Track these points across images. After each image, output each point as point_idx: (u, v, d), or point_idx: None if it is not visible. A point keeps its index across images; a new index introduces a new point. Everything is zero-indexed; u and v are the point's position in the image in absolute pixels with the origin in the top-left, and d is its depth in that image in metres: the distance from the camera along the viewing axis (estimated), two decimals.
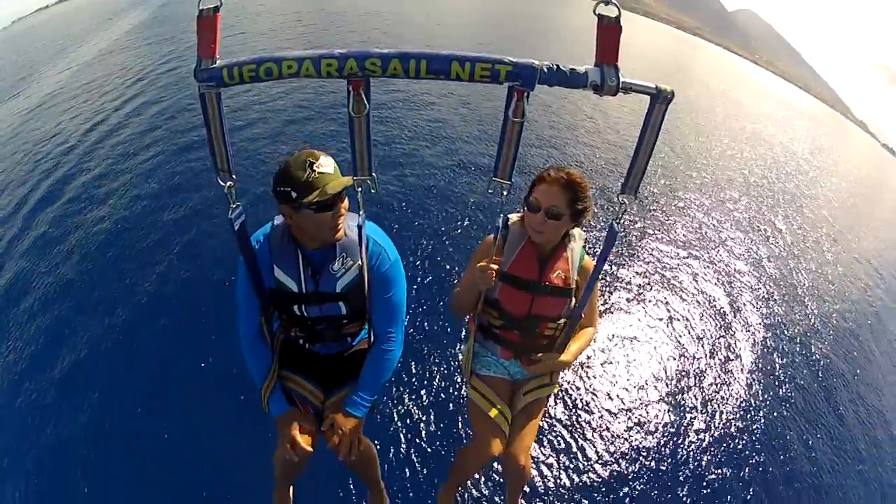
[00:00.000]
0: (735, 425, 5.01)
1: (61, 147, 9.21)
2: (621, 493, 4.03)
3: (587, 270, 1.81)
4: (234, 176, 1.40)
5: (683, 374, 5.39)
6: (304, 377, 1.87)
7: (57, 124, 10.64)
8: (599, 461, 4.21)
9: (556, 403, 4.56)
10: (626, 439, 4.47)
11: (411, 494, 3.54)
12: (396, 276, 1.72)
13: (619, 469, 4.21)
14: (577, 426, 4.44)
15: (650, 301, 6.30)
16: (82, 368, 4.48)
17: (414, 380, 4.44)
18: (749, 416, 5.18)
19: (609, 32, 1.13)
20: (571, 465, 4.11)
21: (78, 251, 6.01)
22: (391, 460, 3.75)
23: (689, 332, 6.01)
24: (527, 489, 3.68)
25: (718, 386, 5.41)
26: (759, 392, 5.54)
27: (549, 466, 4.05)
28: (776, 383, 5.81)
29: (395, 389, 4.29)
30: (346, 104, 1.26)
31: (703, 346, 5.88)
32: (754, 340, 6.37)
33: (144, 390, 4.27)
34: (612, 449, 4.35)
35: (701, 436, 4.76)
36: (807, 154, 19.50)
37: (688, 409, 5.00)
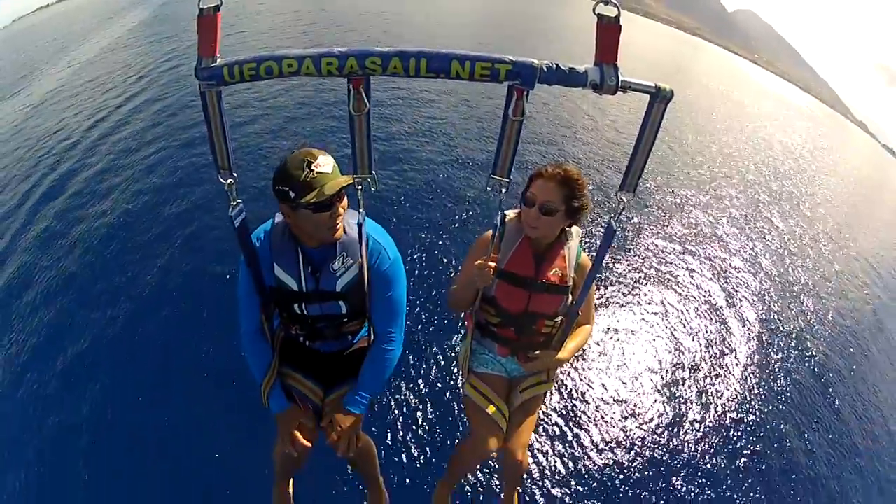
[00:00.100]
0: (731, 417, 5.05)
1: (64, 143, 9.26)
2: (618, 488, 4.06)
3: (584, 268, 1.81)
4: (234, 174, 1.39)
5: (679, 368, 5.42)
6: (303, 375, 1.87)
7: (59, 121, 10.69)
8: (596, 455, 4.25)
9: (552, 398, 4.59)
10: (622, 433, 4.51)
11: (410, 490, 3.56)
12: (396, 274, 1.72)
13: (615, 463, 4.24)
14: (574, 421, 4.47)
15: (646, 296, 6.34)
16: (85, 360, 4.52)
17: (412, 376, 4.46)
18: (745, 408, 5.22)
19: (608, 32, 1.13)
20: (568, 461, 4.14)
21: (80, 245, 6.06)
22: (390, 456, 3.77)
23: (686, 327, 6.05)
24: (523, 490, 3.71)
25: (714, 379, 5.45)
26: (755, 386, 5.59)
27: (546, 462, 4.08)
28: (772, 377, 5.85)
29: (393, 386, 4.31)
30: (347, 102, 1.26)
31: (698, 341, 5.92)
32: (750, 335, 6.41)
33: (147, 382, 4.30)
34: (608, 443, 4.39)
35: (697, 428, 4.79)
36: (806, 154, 19.52)
37: (684, 402, 5.03)
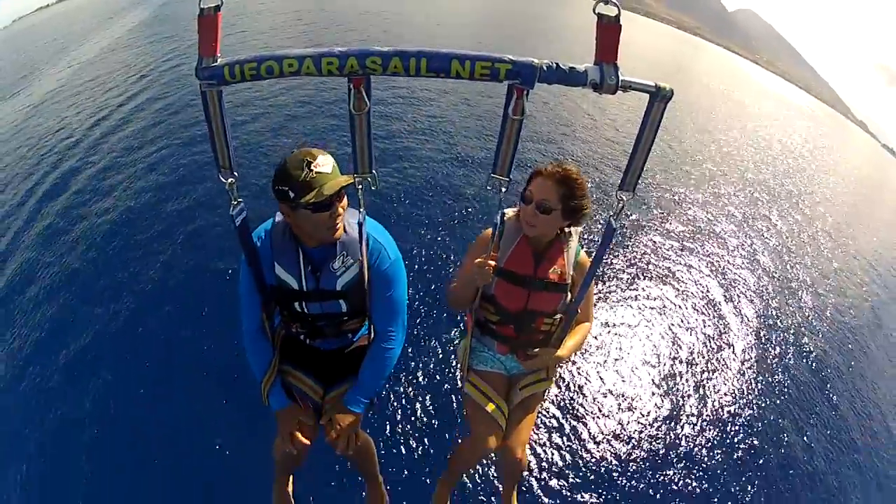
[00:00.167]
0: (728, 412, 5.08)
1: (66, 142, 9.31)
2: (615, 480, 4.09)
3: (583, 266, 1.82)
4: (235, 173, 1.39)
5: (677, 362, 5.45)
6: (304, 372, 1.88)
7: (61, 120, 10.74)
8: (594, 447, 4.28)
9: (551, 391, 4.59)
10: (620, 427, 4.54)
11: (409, 487, 3.57)
12: (397, 274, 1.72)
13: (613, 456, 4.27)
14: (573, 418, 4.49)
15: (645, 291, 6.37)
16: (87, 354, 4.56)
17: (412, 374, 4.47)
18: (742, 403, 5.24)
19: (608, 31, 1.13)
20: (566, 453, 4.17)
21: (83, 241, 6.11)
22: (389, 454, 3.79)
23: (684, 323, 6.08)
24: (522, 481, 3.72)
25: (711, 374, 5.48)
26: (753, 381, 5.61)
27: (544, 454, 4.10)
28: (770, 373, 5.87)
29: (393, 383, 4.33)
30: (347, 101, 1.26)
31: (697, 336, 5.95)
32: (748, 331, 6.44)
33: (149, 377, 4.33)
34: (605, 436, 4.41)
35: (694, 422, 4.82)
36: (806, 153, 19.53)
37: (682, 397, 5.06)
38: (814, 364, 6.34)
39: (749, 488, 4.37)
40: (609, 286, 6.25)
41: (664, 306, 6.21)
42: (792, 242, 9.83)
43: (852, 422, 5.68)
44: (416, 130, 9.25)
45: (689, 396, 5.07)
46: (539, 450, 4.09)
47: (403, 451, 3.84)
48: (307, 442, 1.69)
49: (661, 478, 4.20)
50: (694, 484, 4.23)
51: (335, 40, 16.11)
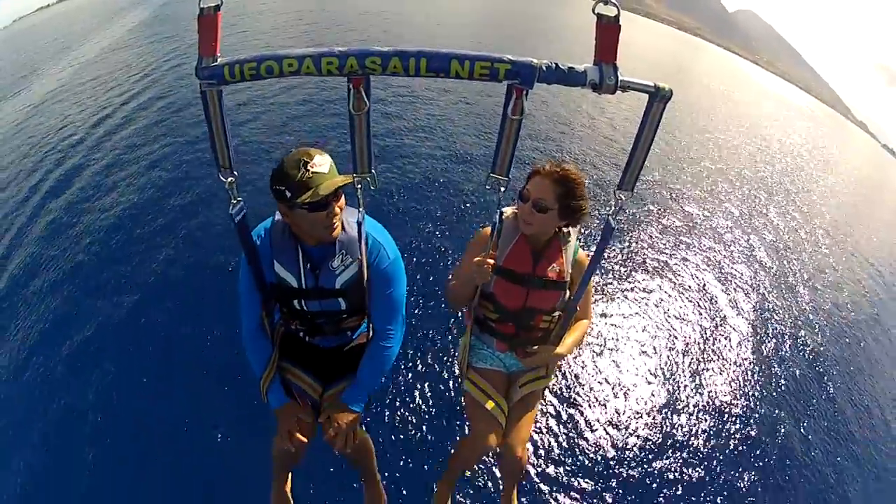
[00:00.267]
0: (725, 402, 5.11)
1: (68, 140, 9.35)
2: (613, 468, 4.13)
3: (581, 264, 1.82)
4: (235, 172, 1.40)
5: (674, 354, 5.48)
6: (303, 370, 1.89)
7: (64, 118, 10.78)
8: (591, 439, 4.31)
9: (551, 392, 4.63)
10: (620, 426, 4.55)
11: (408, 486, 3.58)
12: (396, 273, 1.73)
13: (610, 445, 4.30)
14: (573, 415, 4.51)
15: (642, 285, 6.41)
16: (91, 346, 4.61)
17: (411, 372, 4.48)
18: (739, 395, 5.27)
19: (608, 31, 1.14)
20: (564, 445, 4.18)
21: (87, 235, 6.17)
22: (388, 452, 3.78)
23: (681, 315, 6.11)
24: (527, 498, 3.73)
25: (708, 366, 5.51)
26: (749, 373, 5.64)
27: (542, 446, 4.12)
28: (767, 365, 5.90)
29: (392, 382, 4.33)
30: (347, 102, 1.27)
31: (693, 329, 5.98)
32: (745, 324, 6.47)
33: (152, 370, 4.36)
34: (604, 428, 4.43)
35: (691, 412, 4.85)
36: (805, 153, 19.52)
37: (679, 388, 5.09)
38: (811, 357, 6.37)
39: (746, 477, 4.39)
40: (606, 279, 6.29)
41: (661, 299, 6.26)
42: (790, 240, 9.86)
43: (850, 414, 5.71)
44: (416, 128, 9.30)
45: (685, 387, 5.11)
46: (536, 437, 4.11)
47: (401, 450, 3.84)
48: (305, 440, 1.69)
49: (658, 466, 4.24)
50: (690, 472, 4.27)
51: (335, 40, 16.12)
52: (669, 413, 4.77)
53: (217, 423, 3.89)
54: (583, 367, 4.94)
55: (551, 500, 3.78)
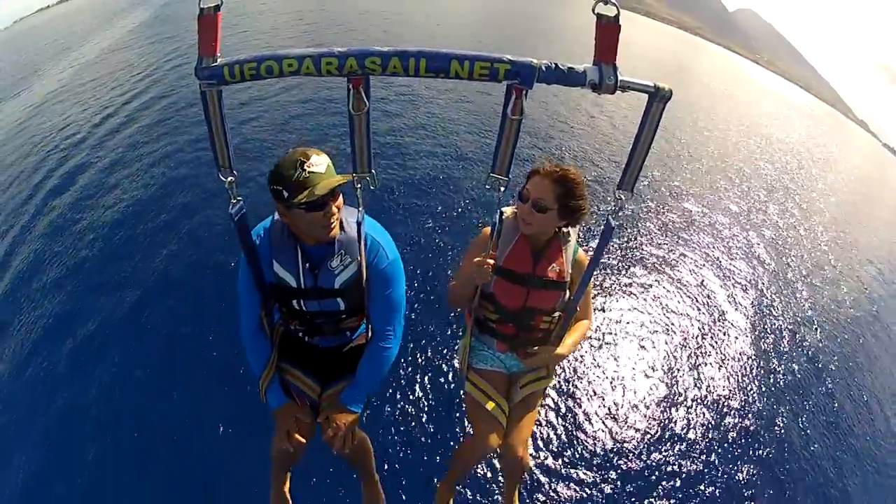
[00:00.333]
0: (722, 395, 5.13)
1: (71, 139, 9.39)
2: (611, 459, 4.16)
3: (581, 264, 1.82)
4: (234, 172, 1.40)
5: (675, 352, 5.50)
6: (302, 370, 1.89)
7: (66, 117, 10.82)
8: (590, 431, 4.33)
9: (551, 392, 4.64)
10: (619, 418, 4.57)
11: (408, 487, 3.57)
12: (395, 273, 1.73)
13: (609, 439, 4.32)
14: (571, 407, 4.53)
15: (640, 280, 6.43)
16: (93, 342, 4.64)
17: (410, 373, 4.48)
18: (737, 388, 5.30)
19: (608, 31, 1.14)
20: (563, 437, 4.20)
21: (90, 232, 6.21)
22: (388, 451, 3.78)
23: (681, 313, 6.13)
24: (525, 488, 3.72)
25: (707, 360, 5.53)
26: (748, 367, 5.66)
27: (545, 448, 4.13)
28: (765, 359, 5.92)
29: (392, 383, 4.33)
30: (346, 102, 1.27)
31: (692, 323, 6.01)
32: (744, 319, 6.49)
33: (153, 367, 4.39)
34: (605, 428, 4.45)
35: (689, 405, 4.87)
36: (806, 152, 19.49)
37: (679, 384, 5.11)
38: (809, 352, 6.38)
39: (744, 470, 4.41)
40: (606, 274, 6.30)
41: (661, 294, 6.28)
42: (790, 236, 9.88)
43: (849, 409, 5.72)
44: (417, 126, 9.35)
45: (684, 381, 5.14)
46: (536, 429, 4.12)
47: (401, 450, 3.83)
48: (304, 440, 1.69)
49: (657, 458, 4.27)
50: (689, 464, 4.29)
51: (335, 40, 16.11)
52: (668, 406, 4.80)
53: (217, 422, 3.90)
54: (582, 361, 4.96)
55: (550, 492, 3.80)
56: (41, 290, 5.36)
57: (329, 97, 10.01)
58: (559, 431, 4.23)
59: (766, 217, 10.29)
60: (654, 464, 4.22)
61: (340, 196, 1.58)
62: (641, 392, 4.86)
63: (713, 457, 4.43)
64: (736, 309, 6.61)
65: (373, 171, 1.39)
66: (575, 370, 4.85)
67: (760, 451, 4.66)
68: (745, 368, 5.62)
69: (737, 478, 4.34)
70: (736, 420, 4.88)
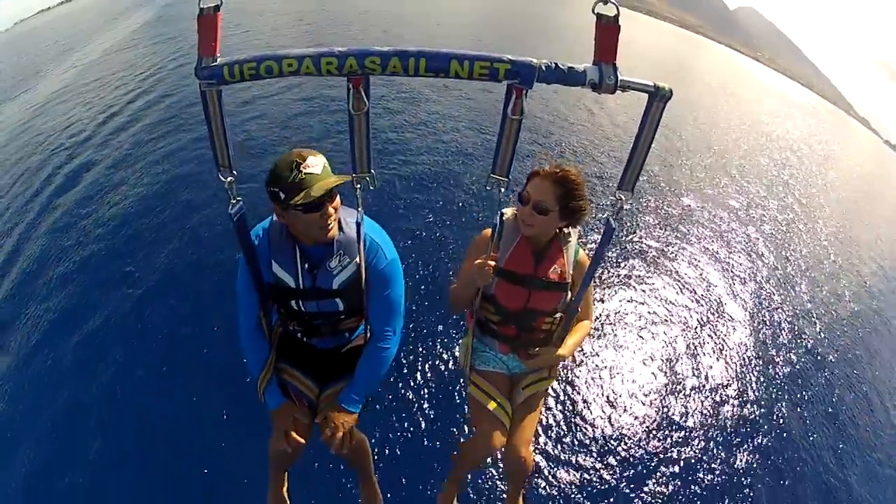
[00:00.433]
0: (722, 385, 5.16)
1: (76, 137, 9.41)
2: (612, 447, 4.19)
3: (582, 265, 1.82)
4: (234, 171, 1.41)
5: (674, 343, 5.53)
6: (300, 371, 1.89)
7: (69, 117, 10.84)
8: (593, 426, 4.34)
9: (554, 392, 4.64)
10: (619, 406, 4.60)
11: (407, 487, 3.57)
12: (393, 274, 1.73)
13: (610, 428, 4.35)
14: (572, 395, 4.55)
15: (639, 274, 6.45)
16: (97, 337, 4.68)
17: (411, 374, 4.47)
18: (736, 379, 5.31)
19: (607, 31, 1.14)
20: (566, 434, 4.21)
21: (95, 229, 6.24)
22: (387, 454, 3.78)
23: (681, 305, 6.16)
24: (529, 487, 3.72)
25: (708, 353, 5.55)
26: (747, 359, 5.69)
27: (545, 435, 4.14)
28: (766, 353, 5.94)
29: (392, 384, 4.32)
30: (346, 102, 1.27)
31: (692, 317, 6.03)
32: (744, 314, 6.50)
33: (155, 366, 4.40)
34: (605, 415, 4.47)
35: (689, 395, 4.90)
36: (807, 149, 19.46)
37: (678, 374, 5.14)
38: (809, 345, 6.39)
39: (743, 458, 4.43)
40: (605, 266, 6.33)
41: (661, 287, 6.30)
42: (790, 231, 9.90)
43: (849, 401, 5.72)
44: (418, 123, 9.40)
45: (684, 371, 5.16)
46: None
47: (401, 453, 3.82)
48: (302, 441, 1.69)
49: (656, 446, 4.30)
50: (688, 452, 4.32)
51: (335, 40, 16.12)
52: (667, 395, 4.83)
53: (217, 422, 3.91)
54: (581, 350, 4.98)
55: (551, 478, 3.82)
56: (47, 285, 5.41)
57: (329, 96, 10.03)
58: (559, 418, 4.27)
59: (765, 212, 10.31)
60: (653, 451, 4.26)
61: (338, 197, 1.58)
62: (641, 380, 4.90)
63: (712, 444, 4.46)
64: (735, 301, 6.63)
65: (372, 171, 1.39)
66: (576, 360, 4.88)
67: (759, 440, 4.68)
68: (745, 359, 5.65)
69: (735, 465, 4.36)
70: (735, 409, 4.92)
